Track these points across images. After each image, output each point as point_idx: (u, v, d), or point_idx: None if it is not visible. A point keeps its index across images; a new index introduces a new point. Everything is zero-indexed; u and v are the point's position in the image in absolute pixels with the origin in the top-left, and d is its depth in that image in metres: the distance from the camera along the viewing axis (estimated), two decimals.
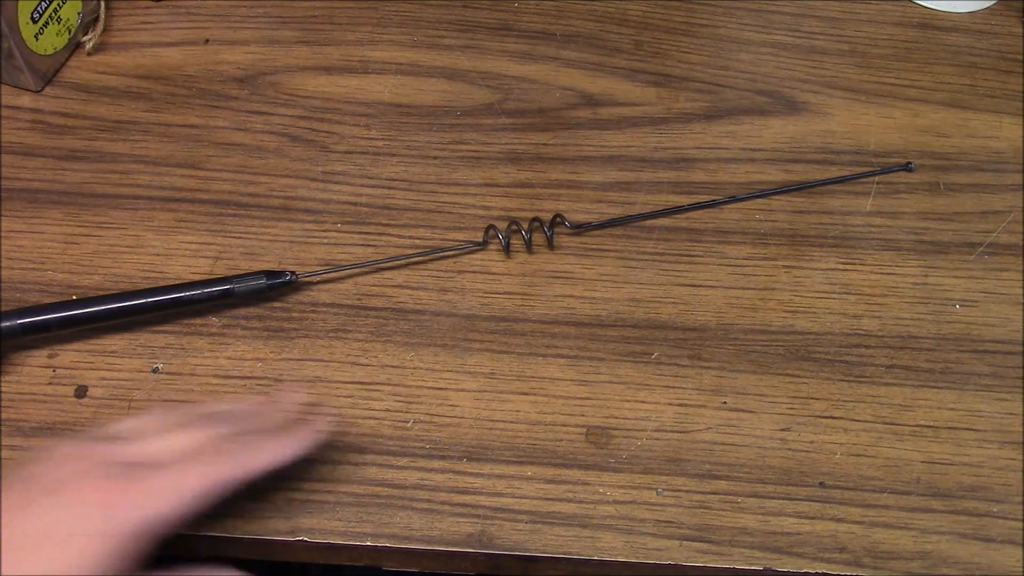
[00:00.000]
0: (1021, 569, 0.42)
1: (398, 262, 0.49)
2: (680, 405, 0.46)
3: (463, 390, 0.45)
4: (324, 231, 0.50)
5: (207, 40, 0.57)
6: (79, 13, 0.55)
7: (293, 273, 0.47)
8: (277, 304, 0.48)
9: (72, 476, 0.34)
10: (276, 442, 0.38)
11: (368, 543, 0.41)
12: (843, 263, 0.51)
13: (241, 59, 0.57)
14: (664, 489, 0.43)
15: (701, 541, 0.42)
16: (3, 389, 0.44)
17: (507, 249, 0.50)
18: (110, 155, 0.52)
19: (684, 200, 0.52)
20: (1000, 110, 0.58)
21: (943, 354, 0.48)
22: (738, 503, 0.43)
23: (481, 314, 0.48)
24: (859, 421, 0.46)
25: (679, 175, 0.54)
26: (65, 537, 0.32)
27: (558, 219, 0.50)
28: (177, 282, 0.46)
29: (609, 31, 0.60)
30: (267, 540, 0.41)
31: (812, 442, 0.45)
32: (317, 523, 0.42)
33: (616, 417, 0.45)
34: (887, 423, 0.46)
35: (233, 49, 0.57)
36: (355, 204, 0.51)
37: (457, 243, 0.50)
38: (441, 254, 0.50)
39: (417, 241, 0.50)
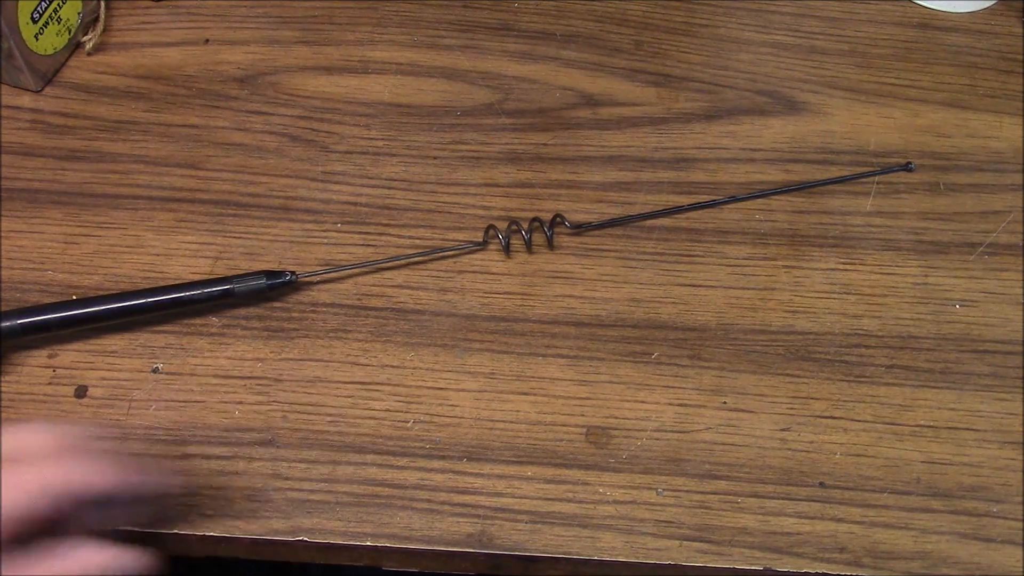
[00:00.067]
0: (1021, 569, 0.42)
1: (398, 262, 0.49)
2: (680, 405, 0.46)
3: (463, 390, 0.45)
4: (324, 231, 0.50)
5: (207, 40, 0.57)
6: (79, 13, 0.55)
7: (293, 273, 0.47)
8: (277, 304, 0.48)
9: None
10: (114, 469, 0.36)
11: (368, 543, 0.41)
12: (843, 263, 0.51)
13: (241, 59, 0.57)
14: (664, 489, 0.43)
15: (701, 541, 0.42)
16: (3, 389, 0.44)
17: (507, 249, 0.50)
18: (110, 155, 0.52)
19: (684, 200, 0.52)
20: (1000, 110, 0.58)
21: (943, 354, 0.48)
22: (738, 503, 0.43)
23: (481, 314, 0.48)
24: (859, 421, 0.46)
25: (679, 175, 0.54)
26: None
27: (558, 219, 0.50)
28: (177, 282, 0.46)
29: (609, 31, 0.60)
30: (267, 540, 0.41)
31: (812, 442, 0.45)
32: (317, 523, 0.42)
33: (616, 417, 0.45)
34: (887, 423, 0.46)
35: (233, 49, 0.57)
36: (355, 204, 0.51)
37: (457, 243, 0.50)
38: (441, 254, 0.50)
39: (417, 241, 0.50)
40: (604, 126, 0.55)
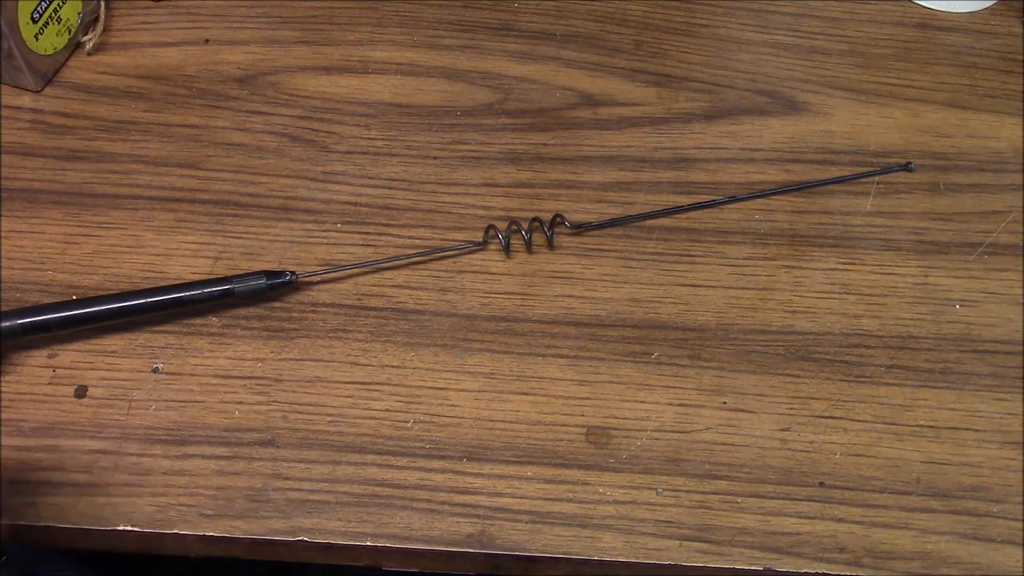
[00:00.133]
0: (1021, 569, 0.42)
1: (398, 262, 0.49)
2: (680, 405, 0.46)
3: (463, 390, 0.45)
4: (324, 231, 0.50)
5: (207, 40, 0.57)
6: (79, 13, 0.55)
7: (293, 273, 0.47)
8: (277, 304, 0.48)
9: None
10: None
11: (368, 543, 0.41)
12: (843, 263, 0.51)
13: (241, 59, 0.57)
14: (664, 489, 0.43)
15: (701, 541, 0.42)
16: (3, 389, 0.44)
17: (507, 249, 0.50)
18: (110, 155, 0.52)
19: (684, 200, 0.52)
20: (1000, 110, 0.58)
21: (943, 354, 0.48)
22: (738, 503, 0.43)
23: (481, 314, 0.48)
24: (859, 421, 0.46)
25: (679, 175, 0.54)
26: None
27: (558, 219, 0.50)
28: (177, 282, 0.46)
29: (609, 31, 0.60)
30: (267, 540, 0.41)
31: (812, 442, 0.45)
32: (317, 523, 0.42)
33: (616, 417, 0.45)
34: (887, 423, 0.46)
35: (233, 49, 0.57)
36: (355, 204, 0.51)
37: (457, 243, 0.50)
38: (441, 254, 0.50)
39: (417, 241, 0.50)
40: (604, 126, 0.55)
